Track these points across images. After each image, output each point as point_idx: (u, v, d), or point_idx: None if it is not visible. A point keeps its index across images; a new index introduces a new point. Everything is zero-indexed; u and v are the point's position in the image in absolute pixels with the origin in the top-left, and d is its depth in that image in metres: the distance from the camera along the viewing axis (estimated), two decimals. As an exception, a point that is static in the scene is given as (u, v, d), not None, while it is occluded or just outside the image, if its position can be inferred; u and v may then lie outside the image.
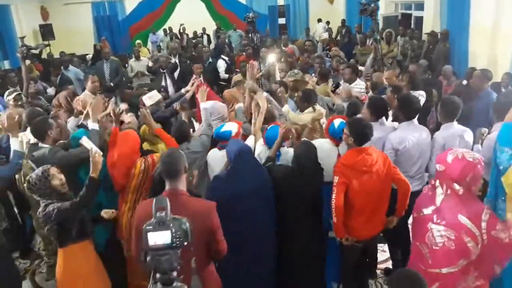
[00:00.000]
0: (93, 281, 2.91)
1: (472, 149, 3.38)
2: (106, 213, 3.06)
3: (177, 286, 1.75)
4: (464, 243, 2.37)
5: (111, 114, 3.58)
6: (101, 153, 3.07)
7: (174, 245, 1.72)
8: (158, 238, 1.71)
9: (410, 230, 2.94)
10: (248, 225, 2.93)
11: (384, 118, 3.71)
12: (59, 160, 3.28)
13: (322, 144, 3.45)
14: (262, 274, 3.05)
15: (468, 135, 3.52)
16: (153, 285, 1.76)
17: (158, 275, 1.74)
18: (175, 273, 1.74)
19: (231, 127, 3.53)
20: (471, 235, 2.36)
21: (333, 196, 3.00)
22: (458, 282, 2.45)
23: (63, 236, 2.81)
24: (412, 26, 10.57)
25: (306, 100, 4.33)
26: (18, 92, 5.12)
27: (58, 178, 2.84)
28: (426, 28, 9.39)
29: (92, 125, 3.54)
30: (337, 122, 3.47)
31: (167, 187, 2.41)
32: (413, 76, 5.02)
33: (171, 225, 1.72)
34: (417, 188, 3.41)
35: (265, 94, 4.11)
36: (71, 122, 4.31)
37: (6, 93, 5.19)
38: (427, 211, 2.55)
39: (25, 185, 2.85)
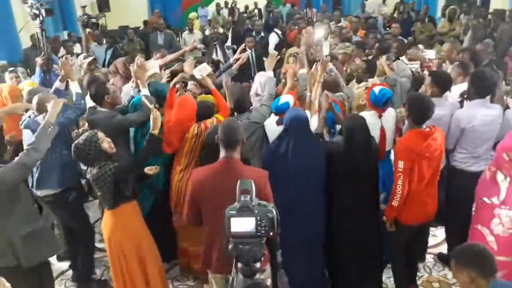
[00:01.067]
0: (143, 240, 2.97)
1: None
2: (149, 169, 3.05)
3: (259, 279, 1.62)
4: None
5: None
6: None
7: (258, 234, 1.58)
8: (242, 224, 1.58)
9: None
10: (295, 199, 2.87)
11: (448, 93, 3.45)
12: (118, 124, 3.37)
13: (366, 117, 3.28)
14: (311, 248, 3.01)
15: None
16: (235, 275, 1.65)
17: (240, 265, 1.63)
18: (258, 264, 1.62)
19: (288, 98, 3.43)
20: None
21: (399, 182, 2.82)
22: None
23: (118, 197, 2.82)
24: (478, 3, 9.88)
25: (370, 71, 4.13)
26: (93, 57, 5.27)
27: (107, 140, 2.84)
28: (494, 5, 8.75)
29: (144, 90, 3.58)
30: (377, 88, 3.30)
31: (222, 154, 2.41)
32: (475, 53, 4.69)
33: (256, 211, 1.59)
34: (482, 168, 3.15)
35: (330, 65, 3.96)
36: (126, 89, 4.37)
37: (81, 56, 5.34)
38: (491, 200, 2.39)
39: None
